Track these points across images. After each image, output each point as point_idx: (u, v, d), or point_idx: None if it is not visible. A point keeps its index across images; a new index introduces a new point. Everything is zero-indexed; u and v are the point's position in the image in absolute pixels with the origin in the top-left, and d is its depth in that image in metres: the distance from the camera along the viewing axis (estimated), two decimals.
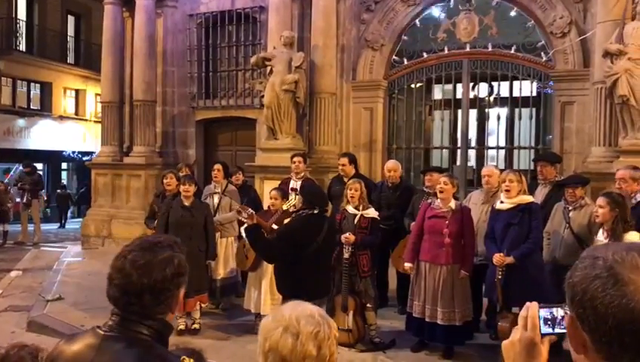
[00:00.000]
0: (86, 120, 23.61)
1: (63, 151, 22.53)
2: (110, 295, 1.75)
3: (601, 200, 4.64)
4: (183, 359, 1.82)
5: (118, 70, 11.64)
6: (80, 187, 23.03)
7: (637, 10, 6.98)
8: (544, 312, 1.20)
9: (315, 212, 4.83)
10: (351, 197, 5.81)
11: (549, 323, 1.19)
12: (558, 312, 1.19)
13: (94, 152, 16.20)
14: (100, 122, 13.04)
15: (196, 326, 6.40)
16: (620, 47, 6.89)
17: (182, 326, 6.30)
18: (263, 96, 9.47)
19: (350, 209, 5.83)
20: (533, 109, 9.03)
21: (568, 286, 1.07)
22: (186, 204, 6.35)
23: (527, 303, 1.22)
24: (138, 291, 1.71)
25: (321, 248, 4.79)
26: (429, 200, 5.78)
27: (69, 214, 21.32)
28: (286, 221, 5.44)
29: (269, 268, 5.84)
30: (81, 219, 14.20)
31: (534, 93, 9.27)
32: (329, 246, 5.07)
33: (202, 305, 6.56)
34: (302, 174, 7.49)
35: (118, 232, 11.10)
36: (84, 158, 20.25)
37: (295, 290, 4.63)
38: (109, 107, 11.72)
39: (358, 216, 5.77)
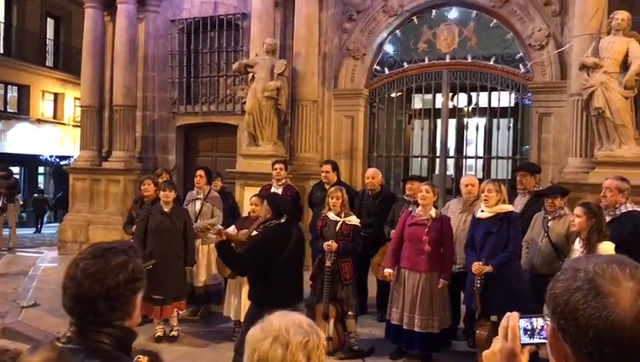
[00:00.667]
0: (64, 124, 23.34)
1: (40, 155, 22.22)
2: (65, 304, 1.71)
3: (578, 210, 4.73)
4: (138, 358, 1.80)
5: (98, 74, 11.55)
6: (57, 191, 22.72)
7: (612, 25, 7.13)
8: (524, 322, 1.23)
9: (282, 221, 4.83)
10: (333, 205, 5.83)
11: (528, 333, 1.22)
12: (538, 322, 1.22)
13: (72, 156, 16.04)
14: (78, 126, 12.94)
15: (174, 333, 6.35)
16: (596, 60, 7.03)
17: (160, 333, 6.25)
18: (244, 103, 9.48)
19: (332, 216, 5.85)
20: (511, 120, 9.17)
21: (550, 298, 1.10)
22: (166, 209, 6.32)
23: (508, 313, 1.24)
24: (92, 299, 1.67)
25: (291, 255, 4.77)
26: (410, 208, 5.83)
27: (45, 219, 21.01)
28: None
29: None
30: (57, 224, 14.02)
31: (512, 104, 9.42)
32: (299, 253, 5.01)
33: (180, 312, 6.52)
34: (283, 181, 7.50)
35: (96, 238, 10.94)
36: (62, 163, 19.97)
37: (267, 298, 4.66)
38: (88, 111, 11.62)
39: (339, 223, 5.80)
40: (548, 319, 1.13)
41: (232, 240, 5.07)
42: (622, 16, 7.07)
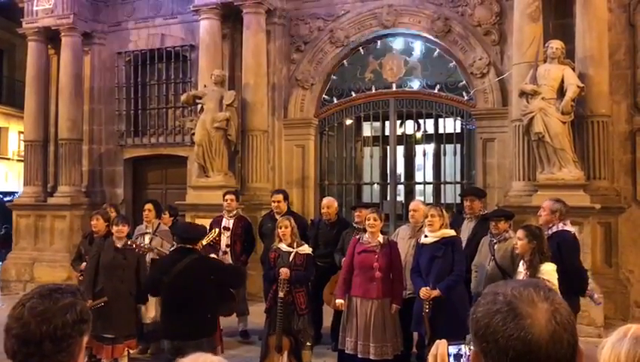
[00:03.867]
0: (8, 159, 22.63)
1: None
2: (7, 348, 1.64)
3: (520, 233, 4.86)
4: None
5: (43, 108, 11.30)
6: None
7: (547, 53, 7.47)
8: (453, 349, 1.26)
9: (172, 248, 4.83)
10: (282, 234, 5.80)
11: (457, 359, 1.25)
12: (466, 349, 1.26)
13: (17, 192, 15.51)
14: (23, 161, 12.54)
15: None
16: (534, 87, 7.33)
17: None
18: (193, 134, 9.44)
19: (284, 247, 5.77)
20: (458, 145, 9.40)
21: (472, 322, 1.15)
22: (118, 245, 6.15)
23: (437, 341, 1.28)
24: (37, 340, 1.62)
25: (173, 285, 4.54)
26: (358, 236, 5.85)
27: None
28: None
29: None
30: (0, 263, 13.47)
31: (458, 130, 9.68)
32: (187, 286, 4.62)
33: (131, 351, 6.33)
34: (234, 212, 7.45)
35: (42, 276, 10.59)
36: (6, 199, 19.28)
37: (166, 332, 4.78)
38: (32, 146, 11.32)
39: (292, 254, 5.75)
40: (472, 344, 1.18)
41: None
42: (556, 45, 7.43)
